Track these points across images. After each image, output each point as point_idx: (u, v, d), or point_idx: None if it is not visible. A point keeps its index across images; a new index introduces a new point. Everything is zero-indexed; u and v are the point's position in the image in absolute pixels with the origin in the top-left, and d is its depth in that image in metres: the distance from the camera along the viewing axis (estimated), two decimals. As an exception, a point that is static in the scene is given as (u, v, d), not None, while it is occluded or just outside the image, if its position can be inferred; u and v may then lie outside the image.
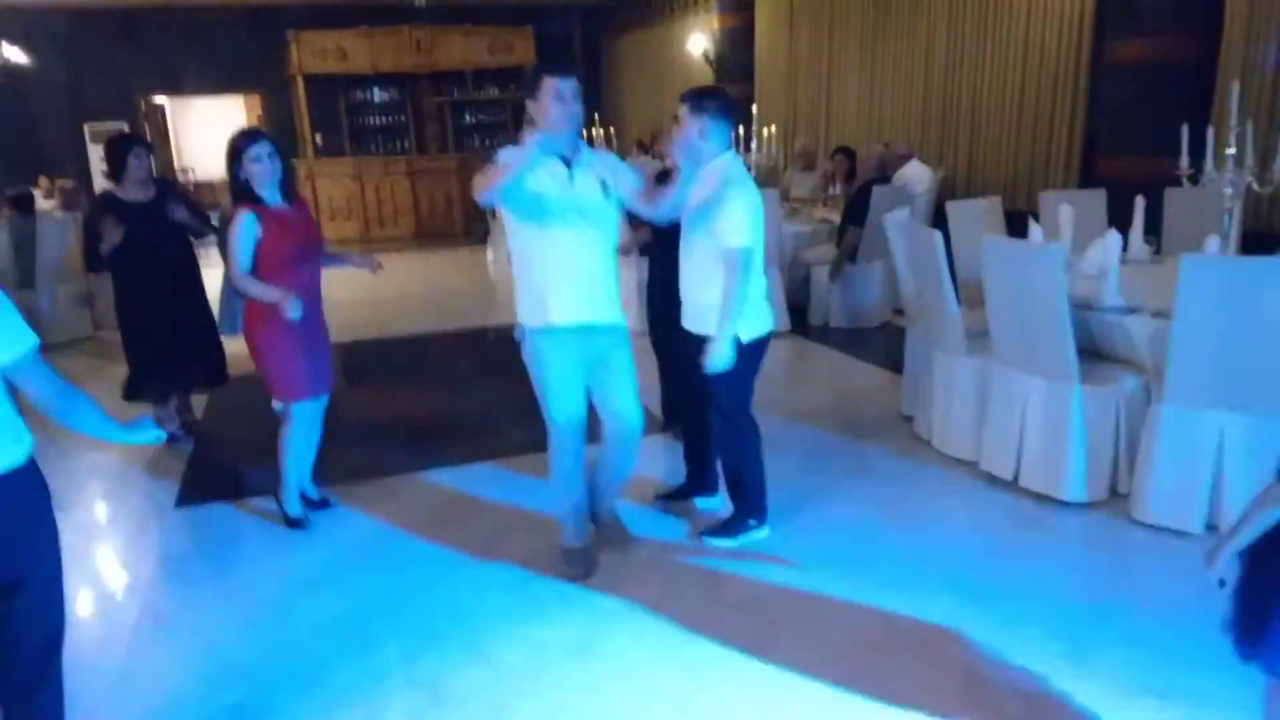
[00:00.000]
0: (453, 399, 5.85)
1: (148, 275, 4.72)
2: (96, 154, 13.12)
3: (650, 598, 3.26)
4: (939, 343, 4.40)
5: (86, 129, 13.24)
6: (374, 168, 13.45)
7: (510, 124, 14.08)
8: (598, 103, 15.17)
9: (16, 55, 11.56)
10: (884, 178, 6.93)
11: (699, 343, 3.31)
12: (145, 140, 4.79)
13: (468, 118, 14.40)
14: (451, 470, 4.53)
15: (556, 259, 3.15)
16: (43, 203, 9.18)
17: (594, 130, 12.27)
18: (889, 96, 9.41)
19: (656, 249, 4.29)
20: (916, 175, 7.45)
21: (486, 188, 2.99)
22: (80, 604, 3.44)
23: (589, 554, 3.49)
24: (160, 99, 15.16)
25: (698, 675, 2.82)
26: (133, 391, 4.99)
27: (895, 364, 5.72)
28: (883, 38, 9.39)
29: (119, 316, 4.92)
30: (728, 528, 3.66)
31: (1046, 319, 3.69)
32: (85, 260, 4.74)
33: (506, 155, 3.04)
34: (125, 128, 13.18)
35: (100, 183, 12.70)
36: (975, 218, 5.30)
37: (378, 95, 13.97)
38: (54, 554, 2.12)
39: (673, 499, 4.01)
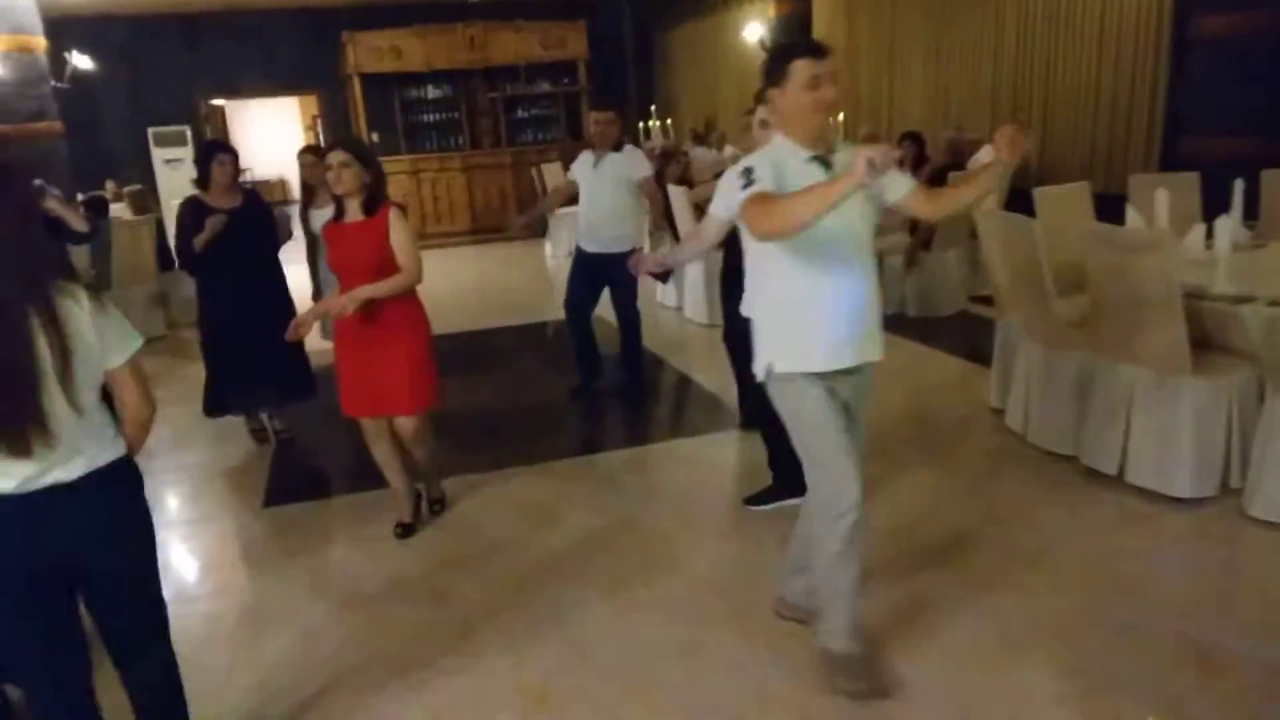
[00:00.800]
0: (517, 395, 5.83)
1: (231, 283, 4.66)
2: (161, 157, 13.38)
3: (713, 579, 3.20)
4: (1034, 333, 4.26)
5: (150, 133, 13.48)
6: (429, 164, 13.51)
7: (562, 118, 14.06)
8: (653, 94, 15.09)
9: (84, 63, 11.79)
10: (957, 163, 6.76)
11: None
12: (229, 146, 4.78)
13: (520, 112, 14.40)
14: (528, 469, 4.51)
15: (826, 290, 2.57)
16: (112, 206, 9.35)
17: (650, 122, 12.22)
18: (956, 80, 9.18)
19: (730, 236, 4.20)
20: (990, 160, 7.25)
21: (793, 218, 2.28)
22: (180, 603, 3.47)
23: (869, 661, 2.75)
24: (219, 101, 15.39)
25: (804, 675, 2.75)
26: (213, 408, 4.99)
27: (976, 354, 5.58)
28: (948, 19, 9.16)
29: (201, 325, 4.91)
30: (768, 495, 3.81)
31: (1157, 309, 3.54)
32: (179, 258, 4.72)
33: (761, 167, 2.46)
34: (187, 130, 13.42)
35: (165, 185, 12.94)
36: (1063, 204, 5.12)
37: (431, 92, 14.01)
38: (147, 548, 2.18)
39: (760, 502, 3.90)
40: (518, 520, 3.96)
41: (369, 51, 13.10)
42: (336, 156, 3.45)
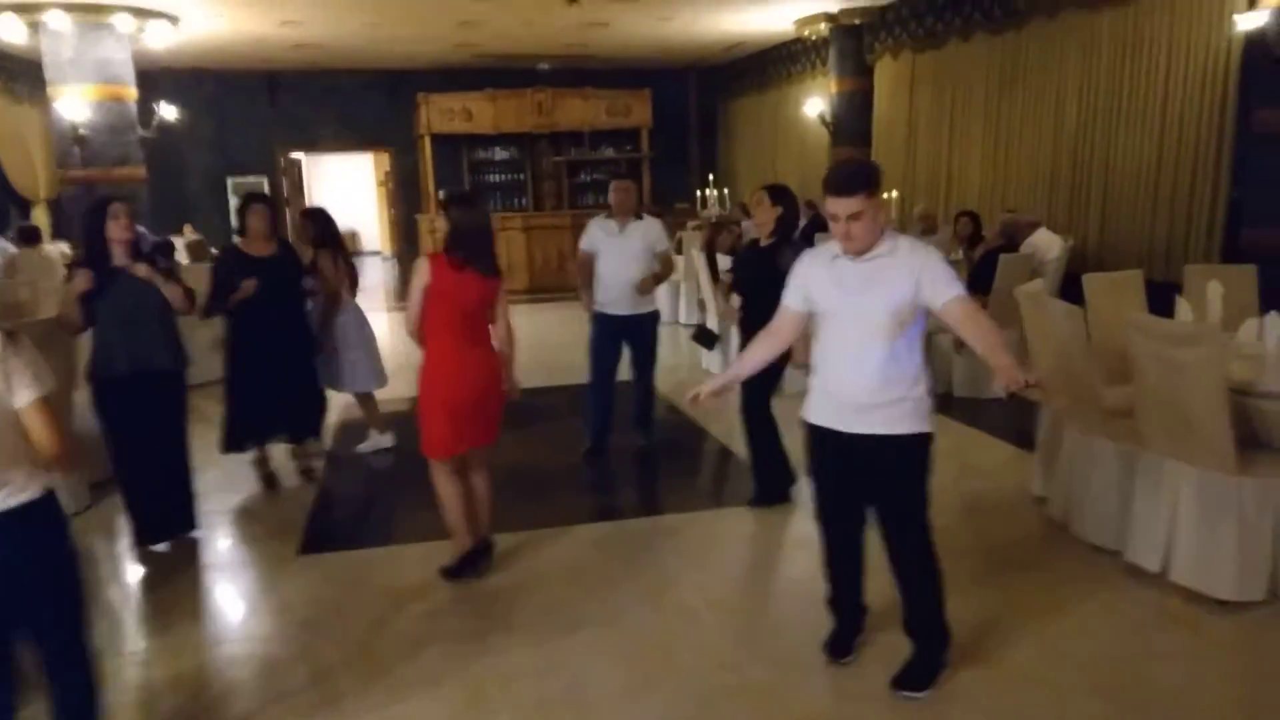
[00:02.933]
0: (562, 456, 5.86)
1: (260, 326, 4.87)
2: (237, 206, 13.95)
3: (762, 681, 3.15)
4: (1079, 421, 4.18)
5: (229, 181, 14.09)
6: (492, 223, 13.86)
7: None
8: (714, 163, 15.33)
9: (170, 113, 12.42)
10: (1011, 245, 6.72)
11: (877, 445, 2.90)
12: (267, 198, 5.08)
13: (583, 176, 14.75)
14: (569, 530, 4.52)
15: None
16: (179, 253, 9.72)
17: (708, 190, 12.39)
18: (1015, 162, 9.18)
19: (751, 323, 4.33)
20: (1046, 243, 7.21)
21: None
22: (212, 646, 3.53)
23: None
24: (297, 155, 16.04)
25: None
26: (230, 445, 5.14)
27: (1022, 439, 5.48)
28: (1009, 102, 9.20)
29: (226, 363, 5.09)
30: (920, 673, 3.06)
31: (1202, 404, 3.46)
32: (204, 307, 4.83)
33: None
34: (265, 182, 14.00)
35: (239, 232, 13.47)
36: (1114, 291, 5.06)
37: (499, 153, 14.46)
38: (62, 580, 2.37)
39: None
40: (546, 584, 3.95)
41: (441, 113, 13.59)
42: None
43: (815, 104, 12.05)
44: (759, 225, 4.56)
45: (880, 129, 11.32)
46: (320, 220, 5.60)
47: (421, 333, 3.82)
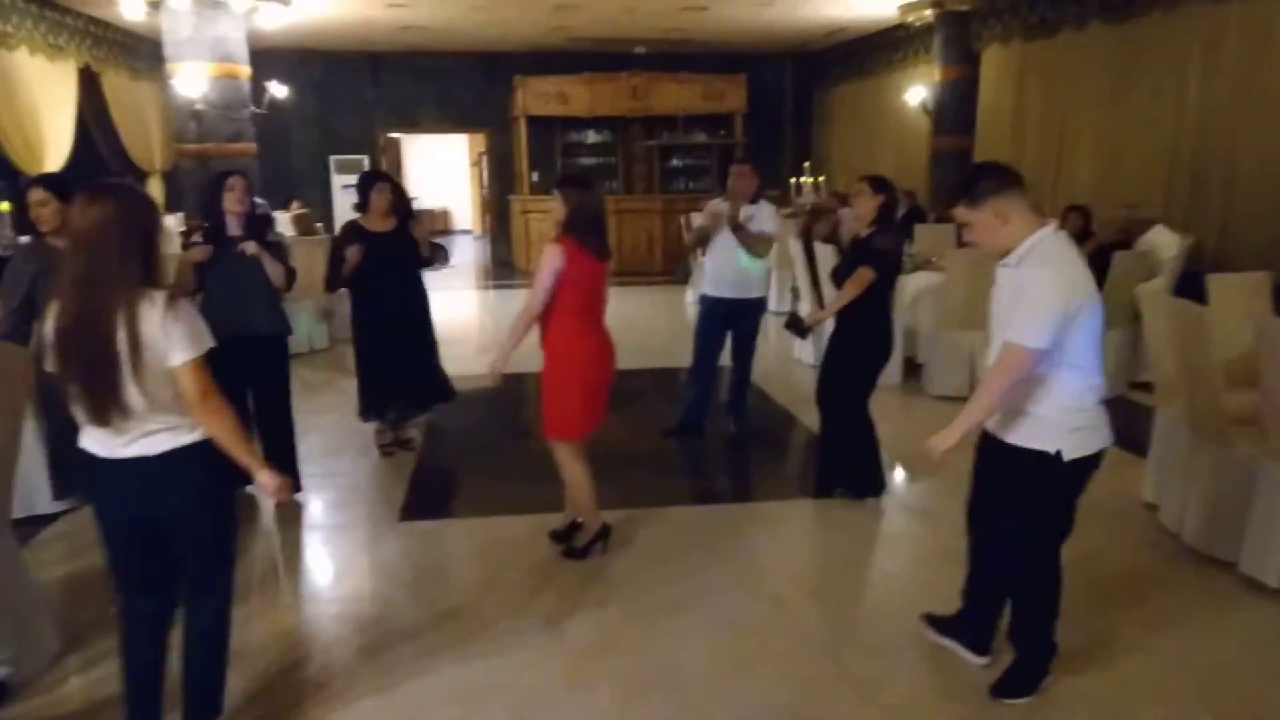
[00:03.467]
0: (651, 439, 5.88)
1: (382, 299, 5.06)
2: (339, 183, 14.33)
3: (861, 675, 3.11)
4: (1196, 427, 4.01)
5: (332, 160, 14.48)
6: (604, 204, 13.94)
7: (715, 168, 14.24)
8: (808, 150, 15.12)
9: (280, 91, 12.81)
10: (1125, 242, 6.46)
11: (1015, 456, 2.82)
12: (389, 176, 5.18)
13: (675, 161, 14.71)
14: (662, 511, 4.53)
15: None
16: (283, 226, 10.03)
17: (803, 178, 12.23)
18: (1128, 157, 8.79)
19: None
20: (1163, 241, 6.91)
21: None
22: (313, 604, 3.66)
23: None
24: (396, 134, 16.38)
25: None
26: (368, 413, 5.35)
27: (1131, 443, 5.26)
28: (1124, 94, 8.81)
29: (355, 336, 5.30)
30: (1018, 681, 2.99)
31: (1339, 413, 3.28)
32: (326, 281, 5.10)
33: None
34: (365, 160, 14.33)
35: (340, 209, 13.84)
36: (1240, 293, 4.82)
37: (591, 136, 14.53)
38: (214, 514, 2.60)
39: (940, 628, 3.29)
40: (640, 563, 3.98)
41: (537, 95, 13.71)
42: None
43: (917, 92, 11.76)
44: (859, 216, 4.47)
45: (985, 119, 10.97)
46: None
47: (544, 316, 3.80)
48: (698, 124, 14.39)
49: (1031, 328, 2.62)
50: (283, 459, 4.56)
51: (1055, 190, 9.73)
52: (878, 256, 4.31)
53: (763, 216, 5.39)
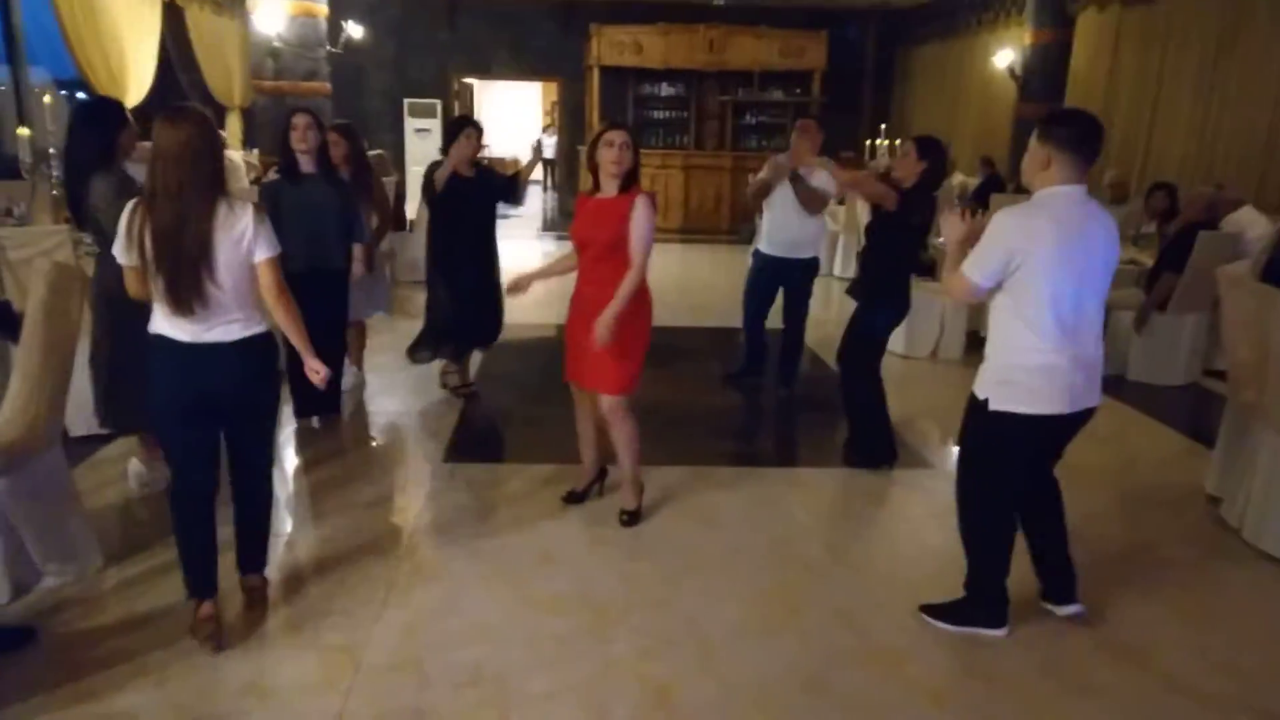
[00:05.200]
0: (700, 397, 5.83)
1: (459, 243, 5.17)
2: (412, 126, 14.42)
3: (887, 647, 3.05)
4: (1271, 421, 3.79)
5: (406, 103, 14.56)
6: (651, 160, 13.75)
7: (789, 127, 13.90)
8: (888, 112, 14.69)
9: (356, 32, 12.89)
10: (1211, 222, 6.13)
11: (969, 401, 3.01)
12: (478, 123, 5.18)
13: (748, 118, 14.42)
14: (702, 470, 4.50)
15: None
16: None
17: (879, 140, 11.90)
18: (1226, 133, 8.32)
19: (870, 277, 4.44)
20: (1251, 223, 6.53)
21: None
22: (349, 543, 3.72)
23: None
24: (470, 80, 16.38)
25: (942, 743, 2.59)
26: (421, 351, 5.44)
27: (1201, 432, 5.07)
28: (1225, 67, 8.32)
29: (429, 274, 5.40)
30: (949, 610, 3.16)
31: None
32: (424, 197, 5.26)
33: None
34: (438, 104, 14.39)
35: (412, 151, 13.95)
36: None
37: (665, 90, 14.31)
38: (269, 395, 3.03)
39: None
40: (675, 520, 3.96)
41: (612, 45, 13.54)
42: (620, 136, 3.60)
43: (1005, 55, 11.30)
44: (900, 178, 4.25)
45: (1075, 86, 10.49)
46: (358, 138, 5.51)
47: (612, 271, 3.60)
48: (774, 81, 14.06)
49: (976, 262, 2.81)
50: (333, 382, 4.71)
51: (1144, 166, 9.31)
52: (898, 231, 4.21)
53: (821, 175, 5.25)
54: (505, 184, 5.33)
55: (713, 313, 8.14)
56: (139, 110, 7.81)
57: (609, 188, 3.63)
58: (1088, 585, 3.32)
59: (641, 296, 3.64)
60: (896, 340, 6.82)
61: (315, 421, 4.92)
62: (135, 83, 9.42)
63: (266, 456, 3.13)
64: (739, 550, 3.70)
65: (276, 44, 9.39)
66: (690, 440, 5.00)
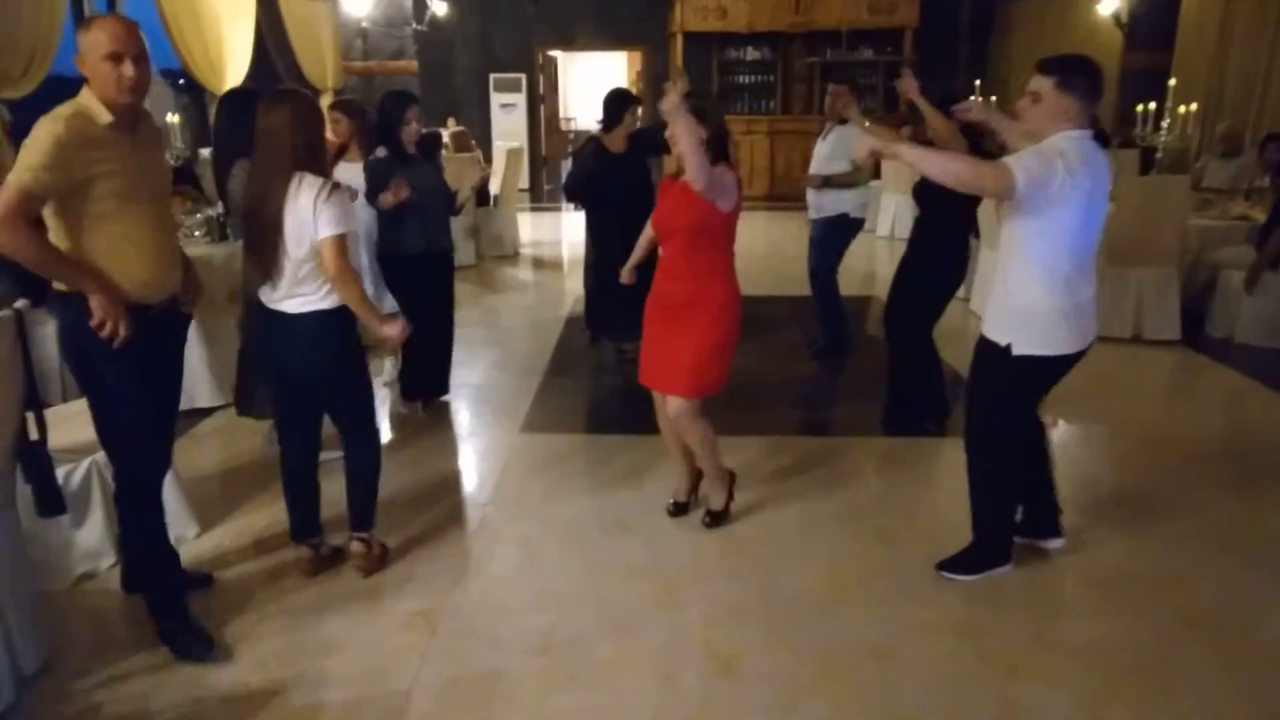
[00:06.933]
0: (780, 366, 5.76)
1: (611, 217, 5.25)
2: (497, 102, 14.54)
3: (966, 621, 2.99)
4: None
5: (491, 78, 14.68)
6: (737, 126, 13.54)
7: (881, 87, 13.51)
8: (982, 69, 14.10)
9: (441, 9, 13.02)
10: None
11: (982, 345, 3.05)
12: (639, 99, 5.30)
13: (831, 85, 14.03)
14: (779, 440, 4.46)
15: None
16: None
17: (974, 98, 11.43)
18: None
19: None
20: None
21: None
22: (427, 513, 3.83)
23: None
24: (555, 52, 16.40)
25: (1010, 707, 2.52)
26: (594, 327, 5.72)
27: (1316, 399, 4.77)
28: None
29: (586, 251, 5.57)
30: (965, 561, 3.23)
31: None
32: (567, 191, 5.51)
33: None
34: (523, 78, 14.46)
35: (499, 126, 14.08)
36: None
37: (750, 54, 14.05)
38: (342, 369, 3.09)
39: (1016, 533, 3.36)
40: (749, 491, 3.93)
41: (695, 10, 13.35)
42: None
43: (1110, 3, 10.70)
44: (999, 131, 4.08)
45: (1186, 33, 9.87)
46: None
47: (695, 260, 3.31)
48: (864, 40, 13.64)
49: (1025, 164, 2.71)
50: (444, 364, 4.96)
51: (1259, 115, 8.72)
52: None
53: (840, 141, 5.27)
54: (652, 137, 5.23)
55: (794, 281, 8.00)
56: (219, 98, 8.09)
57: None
58: (1184, 558, 3.18)
59: (728, 293, 3.34)
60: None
61: (419, 408, 4.91)
62: (233, 69, 9.77)
63: (365, 429, 3.21)
64: (811, 520, 3.67)
65: (365, 24, 9.59)
66: (768, 410, 4.97)
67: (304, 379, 3.06)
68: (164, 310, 2.78)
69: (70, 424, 3.19)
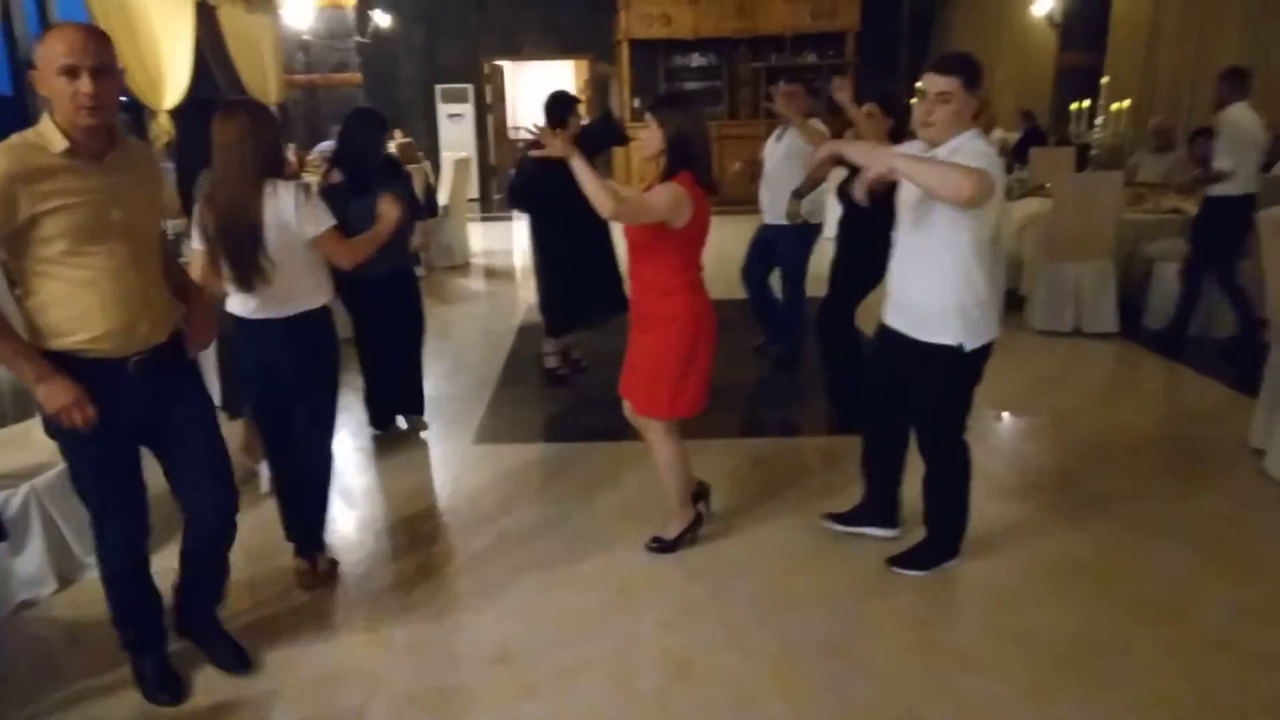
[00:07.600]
0: (730, 370, 5.80)
1: (568, 215, 4.83)
2: (445, 112, 14.46)
3: (917, 614, 3.04)
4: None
5: (438, 89, 14.59)
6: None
7: (825, 91, 13.65)
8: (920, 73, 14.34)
9: (384, 21, 12.93)
10: (1264, 166, 5.90)
11: (910, 348, 3.03)
12: (579, 99, 5.19)
13: (782, 84, 14.20)
14: (731, 443, 4.50)
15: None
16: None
17: (914, 102, 11.62)
18: (1275, 76, 7.99)
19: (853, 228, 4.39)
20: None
21: None
22: (377, 526, 3.79)
23: None
24: (501, 62, 16.34)
25: (962, 698, 2.57)
26: (556, 328, 5.49)
27: (1249, 384, 4.90)
28: (1276, 6, 7.97)
29: (536, 255, 5.43)
30: (919, 557, 3.27)
31: None
32: (511, 195, 5.39)
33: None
34: (469, 89, 14.40)
35: (445, 137, 14.00)
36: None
37: (696, 59, 14.16)
38: (326, 370, 3.14)
39: (843, 522, 3.55)
40: (713, 495, 3.94)
41: (641, 18, 13.41)
42: (643, 122, 3.16)
43: (1044, 3, 10.97)
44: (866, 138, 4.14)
45: (1117, 32, 10.15)
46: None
47: (646, 272, 3.21)
48: (808, 44, 13.82)
49: (991, 165, 2.74)
50: (415, 388, 4.79)
51: (1191, 110, 8.99)
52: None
53: (793, 142, 5.24)
54: (602, 128, 5.23)
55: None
56: (176, 111, 7.95)
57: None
58: (1127, 545, 3.26)
59: (686, 309, 3.17)
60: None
61: (402, 422, 4.82)
62: (173, 86, 9.59)
63: (326, 424, 3.21)
64: (761, 520, 3.70)
65: (306, 37, 9.49)
66: (722, 412, 4.96)
67: (295, 379, 3.06)
68: (153, 360, 2.43)
69: (6, 450, 3.12)
